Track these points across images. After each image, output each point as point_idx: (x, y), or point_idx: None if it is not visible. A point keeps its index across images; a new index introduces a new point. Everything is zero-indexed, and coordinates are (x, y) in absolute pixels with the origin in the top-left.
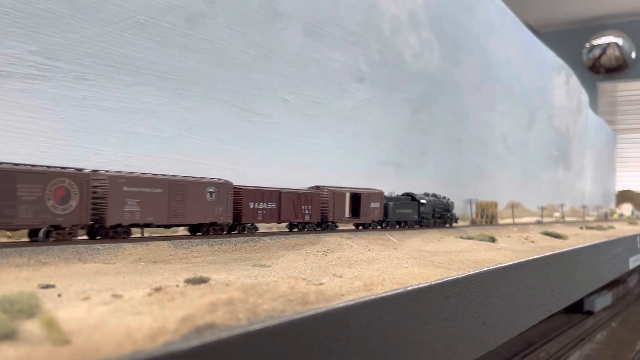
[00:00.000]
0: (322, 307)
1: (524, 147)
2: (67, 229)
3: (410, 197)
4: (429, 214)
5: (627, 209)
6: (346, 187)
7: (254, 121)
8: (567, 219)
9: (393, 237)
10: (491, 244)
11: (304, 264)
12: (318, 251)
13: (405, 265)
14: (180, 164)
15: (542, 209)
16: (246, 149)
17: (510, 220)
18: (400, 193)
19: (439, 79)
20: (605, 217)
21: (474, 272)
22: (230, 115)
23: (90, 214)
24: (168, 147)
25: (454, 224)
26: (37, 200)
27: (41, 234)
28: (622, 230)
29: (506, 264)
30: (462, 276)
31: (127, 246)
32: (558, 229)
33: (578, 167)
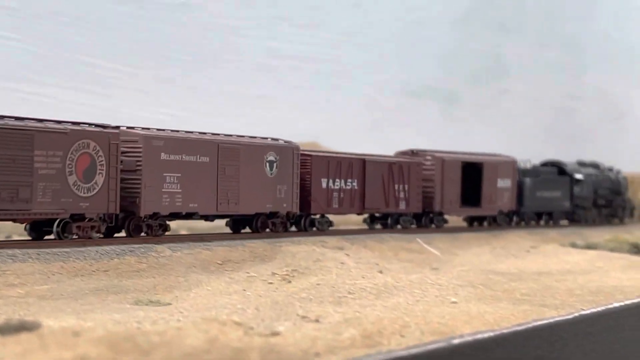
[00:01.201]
0: None
1: None
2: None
3: (557, 169)
4: (587, 200)
5: None
6: (447, 152)
7: None
8: None
9: (431, 248)
10: (635, 257)
11: (241, 298)
12: (273, 273)
13: (453, 298)
14: None
15: None
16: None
17: None
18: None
19: None
20: None
21: (594, 310)
22: None
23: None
24: None
25: (628, 219)
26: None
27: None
28: None
29: None
30: (566, 319)
31: None
32: None
33: None
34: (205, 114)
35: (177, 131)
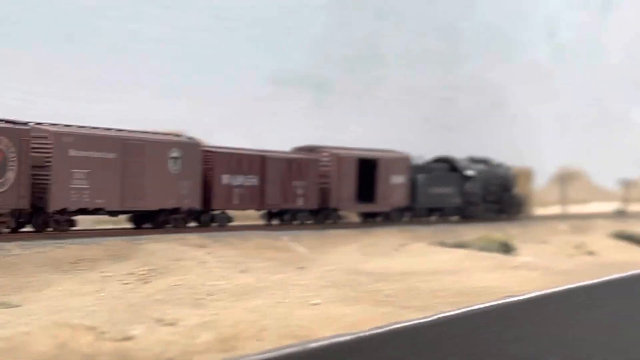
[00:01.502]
0: None
1: (594, 49)
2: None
3: (449, 165)
4: (477, 196)
5: None
6: (343, 148)
7: None
8: None
9: (298, 246)
10: (503, 257)
11: (95, 300)
12: (130, 273)
13: (315, 300)
14: None
15: (627, 184)
16: None
17: (557, 208)
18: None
19: None
20: None
21: (455, 312)
22: None
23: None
24: None
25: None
26: None
27: None
28: None
29: (521, 298)
30: (427, 321)
31: None
32: None
33: None
34: (59, 98)
35: (84, 127)
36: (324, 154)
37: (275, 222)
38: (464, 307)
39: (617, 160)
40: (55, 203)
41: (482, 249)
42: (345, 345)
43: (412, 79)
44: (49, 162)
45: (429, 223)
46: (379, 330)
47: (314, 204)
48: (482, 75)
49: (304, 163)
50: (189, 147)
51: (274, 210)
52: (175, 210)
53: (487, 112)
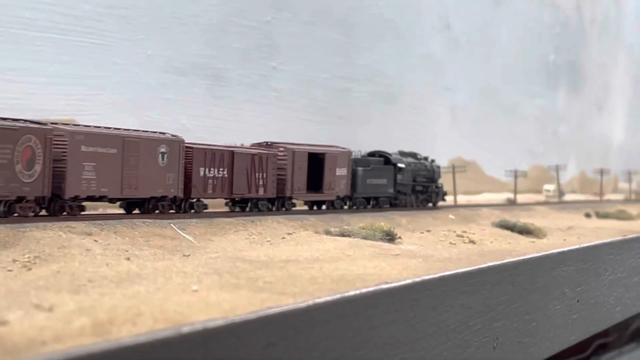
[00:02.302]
0: None
1: (486, 43)
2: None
3: (384, 159)
4: (407, 187)
5: None
6: (297, 144)
7: None
8: (571, 197)
9: (186, 234)
10: (386, 245)
11: None
12: (14, 260)
13: (195, 286)
14: None
15: (516, 175)
16: None
17: (450, 199)
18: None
19: None
20: None
21: (329, 298)
22: None
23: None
24: None
25: (441, 203)
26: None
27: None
28: None
29: (393, 285)
30: (300, 306)
31: None
32: (535, 217)
33: (598, 90)
34: None
35: (89, 126)
36: (281, 148)
37: (237, 209)
38: (339, 293)
39: (507, 151)
40: (70, 191)
41: (366, 237)
42: (218, 329)
43: (308, 70)
44: (65, 156)
45: (318, 213)
46: (252, 315)
47: (272, 193)
48: (377, 67)
49: (264, 157)
50: (174, 143)
51: (238, 199)
52: (162, 198)
53: (382, 103)
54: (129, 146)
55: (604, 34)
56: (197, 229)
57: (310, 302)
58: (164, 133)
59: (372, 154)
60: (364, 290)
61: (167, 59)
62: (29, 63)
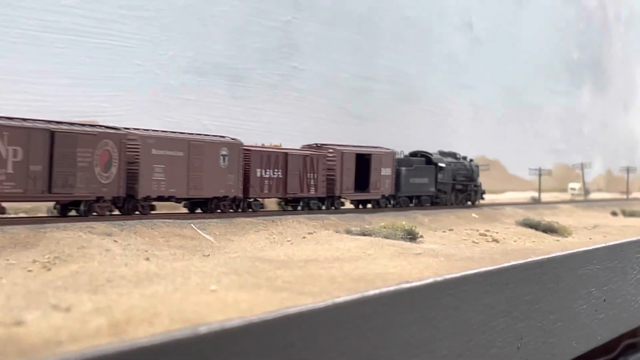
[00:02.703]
0: None
1: (509, 41)
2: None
3: (425, 159)
4: (448, 185)
5: None
6: (344, 145)
7: None
8: (597, 195)
9: (206, 234)
10: (407, 244)
11: None
12: (34, 261)
13: (213, 286)
14: None
15: (541, 173)
16: None
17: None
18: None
19: None
20: None
21: (348, 298)
22: None
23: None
24: None
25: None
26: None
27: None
28: None
29: (414, 284)
30: (319, 306)
31: None
32: (560, 216)
33: (623, 87)
34: None
35: (158, 131)
36: (330, 150)
37: (289, 208)
38: (358, 293)
39: (531, 150)
40: (142, 192)
41: (387, 236)
42: (235, 329)
43: (328, 70)
44: (137, 159)
45: (338, 212)
46: (270, 315)
47: (322, 193)
48: (398, 67)
49: (315, 158)
50: (233, 146)
51: (290, 198)
52: (223, 198)
53: (403, 103)
54: (194, 149)
55: (629, 30)
56: (218, 229)
57: (330, 302)
58: (223, 136)
59: (414, 154)
60: (384, 289)
61: (188, 59)
62: (51, 65)
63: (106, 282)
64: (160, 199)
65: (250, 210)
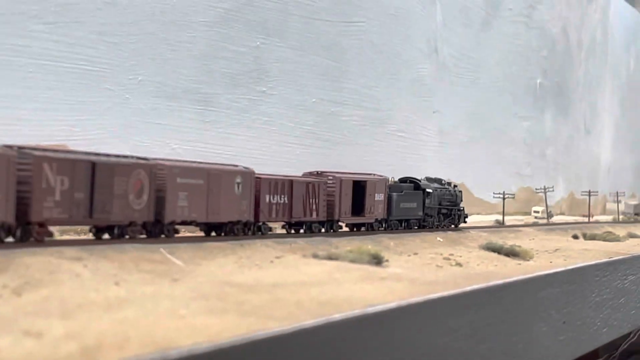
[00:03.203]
0: None
1: (474, 66)
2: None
3: (414, 185)
4: (434, 209)
5: None
6: (341, 172)
7: None
8: (560, 218)
9: (175, 258)
10: (372, 268)
11: None
12: (4, 285)
13: (184, 311)
14: None
15: (504, 197)
16: None
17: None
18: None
19: None
20: (638, 216)
21: (313, 322)
22: None
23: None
24: None
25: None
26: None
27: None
28: None
29: (379, 308)
30: (286, 331)
31: None
32: (523, 239)
33: (586, 112)
34: None
35: (179, 160)
36: (330, 177)
37: (292, 231)
38: (324, 317)
39: (495, 174)
40: (169, 217)
41: (353, 260)
42: (204, 354)
43: (297, 94)
44: (164, 187)
45: (306, 236)
46: (239, 340)
47: (323, 217)
48: (366, 91)
49: (316, 185)
50: (247, 174)
51: (294, 222)
52: (237, 222)
53: (371, 127)
54: (212, 178)
55: (590, 56)
56: (186, 253)
57: (297, 327)
58: (236, 165)
59: (403, 180)
60: (350, 314)
61: (158, 84)
62: (22, 90)
63: (77, 307)
64: (184, 223)
65: (260, 232)
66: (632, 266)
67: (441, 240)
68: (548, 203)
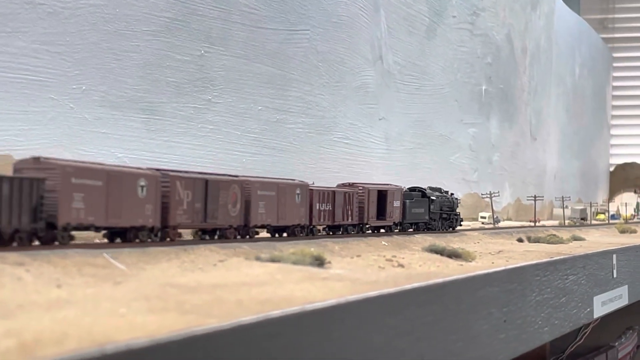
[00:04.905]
0: None
1: (419, 73)
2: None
3: (421, 193)
4: (436, 214)
5: (629, 201)
6: (370, 183)
7: None
8: (506, 223)
9: (118, 263)
10: (314, 270)
11: None
12: None
13: (124, 310)
14: None
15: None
16: None
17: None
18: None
19: None
20: (583, 221)
21: (251, 318)
22: None
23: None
24: None
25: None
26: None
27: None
28: (597, 243)
29: (318, 305)
30: (224, 327)
31: None
32: (468, 242)
33: (532, 119)
34: None
35: (253, 176)
36: (360, 187)
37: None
38: (263, 314)
39: (443, 180)
40: (253, 221)
41: (295, 262)
42: (142, 349)
43: (242, 102)
44: (249, 198)
45: (250, 241)
46: (177, 335)
47: (356, 220)
48: (311, 99)
49: (351, 194)
50: (303, 187)
51: (329, 225)
52: (297, 226)
53: (316, 134)
54: (281, 190)
55: (535, 63)
56: (130, 258)
57: (235, 323)
58: (294, 179)
59: (412, 189)
60: (288, 310)
61: (102, 93)
62: None
63: (17, 308)
64: (262, 226)
65: (311, 234)
66: (573, 266)
67: (386, 244)
68: (495, 208)
